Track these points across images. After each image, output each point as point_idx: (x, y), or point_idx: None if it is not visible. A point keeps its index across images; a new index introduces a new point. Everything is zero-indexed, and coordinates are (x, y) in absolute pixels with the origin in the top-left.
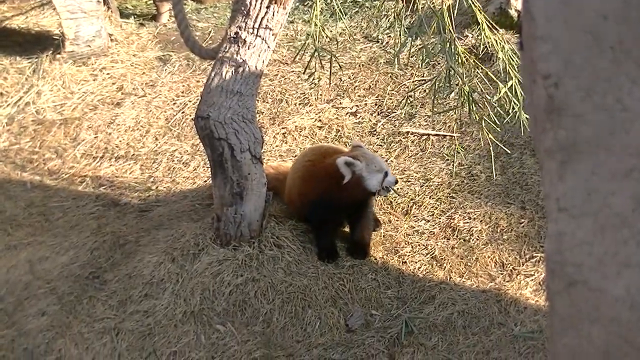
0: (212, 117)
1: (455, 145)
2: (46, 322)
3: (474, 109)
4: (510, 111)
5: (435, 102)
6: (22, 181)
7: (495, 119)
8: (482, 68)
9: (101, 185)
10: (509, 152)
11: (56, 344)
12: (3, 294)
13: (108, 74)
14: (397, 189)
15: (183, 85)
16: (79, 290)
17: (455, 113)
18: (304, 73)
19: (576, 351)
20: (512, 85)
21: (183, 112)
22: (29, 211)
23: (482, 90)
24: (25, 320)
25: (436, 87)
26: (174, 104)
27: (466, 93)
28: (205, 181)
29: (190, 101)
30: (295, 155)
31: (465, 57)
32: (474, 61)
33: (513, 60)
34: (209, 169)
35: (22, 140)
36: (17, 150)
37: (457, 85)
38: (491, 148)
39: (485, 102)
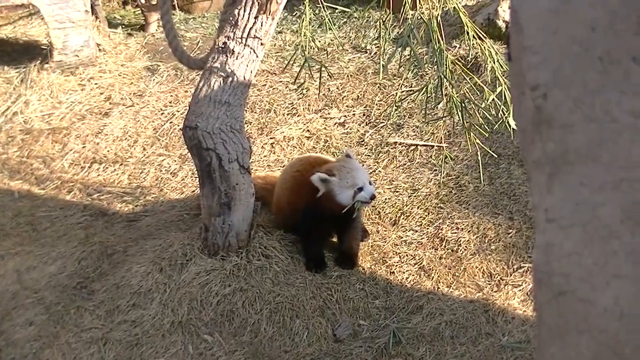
0: (200, 127)
1: (444, 155)
2: (34, 332)
3: (464, 116)
4: (499, 118)
5: (424, 111)
6: (10, 190)
7: (485, 126)
8: (471, 77)
9: (89, 195)
10: (497, 157)
11: (43, 354)
12: None
13: (96, 83)
14: (385, 199)
15: (171, 95)
16: (66, 300)
17: (443, 123)
18: (293, 83)
19: None
20: (501, 92)
21: (171, 122)
22: (16, 221)
23: (471, 99)
24: (13, 330)
25: (426, 96)
26: (162, 114)
27: (455, 101)
28: (194, 191)
29: (178, 111)
30: (283, 166)
31: (454, 66)
32: (462, 70)
33: (502, 67)
34: (197, 179)
35: (10, 150)
36: (4, 160)
37: (445, 95)
38: (479, 155)
39: (474, 110)
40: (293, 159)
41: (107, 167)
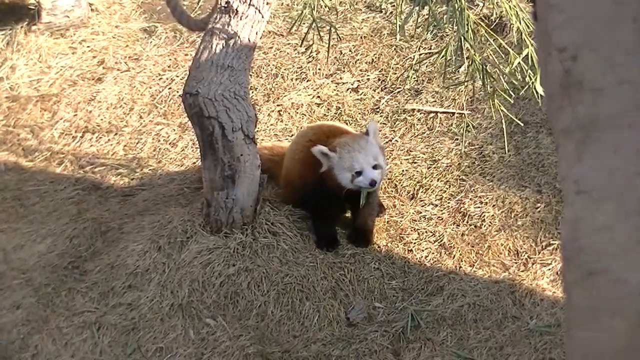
0: (202, 93)
1: (465, 122)
2: (21, 316)
3: (487, 81)
4: (525, 83)
5: (444, 76)
6: None
7: (510, 92)
8: (495, 38)
9: (81, 167)
10: (524, 125)
11: (32, 339)
12: None
13: (88, 46)
14: (402, 171)
15: (170, 59)
16: (57, 282)
17: (465, 88)
18: (300, 45)
19: (595, 346)
20: (527, 55)
21: (170, 88)
22: (2, 195)
23: (495, 63)
24: None
25: (446, 59)
26: (160, 79)
27: (478, 64)
28: (194, 163)
29: (177, 76)
30: (292, 135)
31: (477, 26)
32: (486, 31)
33: (529, 27)
34: (198, 149)
35: None
36: None
37: (467, 58)
38: (504, 123)
39: (499, 74)
40: (305, 128)
41: (100, 137)
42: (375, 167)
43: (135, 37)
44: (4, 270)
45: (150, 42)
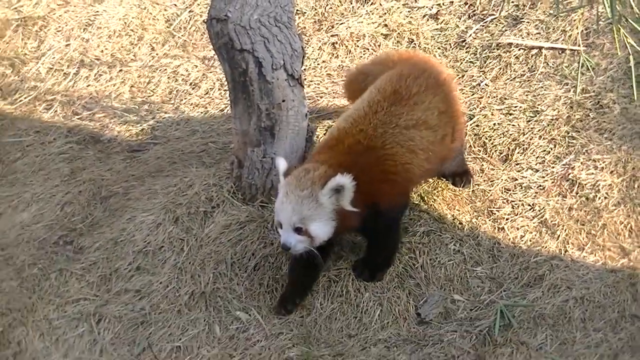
0: (232, 18)
1: (580, 61)
2: (0, 303)
3: (613, 4)
4: None
5: None
6: None
7: None
8: None
9: (75, 114)
10: None
11: (14, 333)
12: None
13: None
14: (494, 125)
15: None
16: (45, 261)
17: (581, 15)
18: None
19: None
20: None
21: (191, 12)
22: None
23: None
24: None
25: None
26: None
27: None
28: (222, 110)
29: None
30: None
31: None
32: None
33: None
34: (227, 92)
35: None
36: None
37: None
38: (632, 62)
39: None
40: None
41: (100, 74)
42: (298, 230)
43: None
44: None
45: None
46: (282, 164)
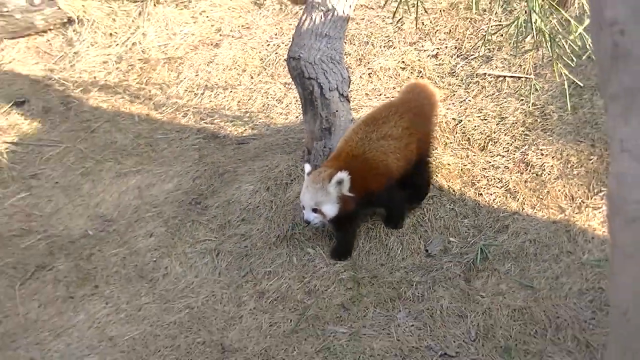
0: (303, 58)
1: (531, 85)
2: (154, 243)
3: (553, 47)
4: (585, 49)
5: (515, 44)
6: (131, 114)
7: (572, 57)
8: (558, 11)
9: (202, 120)
10: (581, 88)
11: (163, 262)
12: (115, 216)
13: (207, 16)
14: (474, 126)
15: (276, 28)
16: (182, 215)
17: (530, 55)
18: (392, 17)
19: (636, 281)
20: (587, 26)
21: (276, 53)
22: (137, 142)
23: (559, 31)
24: (135, 240)
25: (517, 29)
26: (268, 45)
27: (545, 33)
28: (297, 117)
29: (282, 43)
30: (380, 95)
31: (542, 1)
32: (550, 5)
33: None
34: (300, 105)
35: (130, 77)
36: (125, 86)
37: (532, 29)
38: (566, 84)
39: (561, 42)
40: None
41: (218, 94)
42: (315, 210)
43: (247, 9)
44: (139, 204)
45: (260, 13)
46: (307, 167)
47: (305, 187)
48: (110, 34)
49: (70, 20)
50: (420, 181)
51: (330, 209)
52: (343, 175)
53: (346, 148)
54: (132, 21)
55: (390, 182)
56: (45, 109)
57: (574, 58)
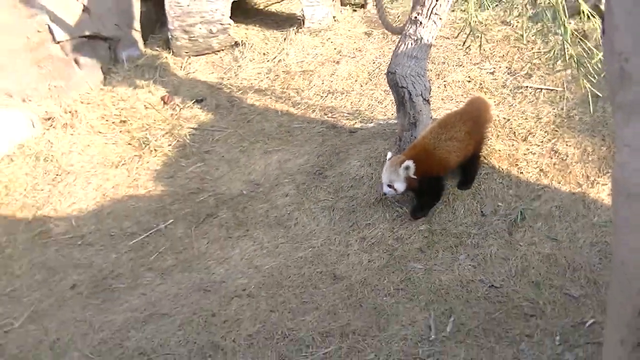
0: (398, 72)
1: (563, 96)
2: (288, 201)
3: (579, 67)
4: (602, 70)
5: (552, 65)
6: (275, 110)
7: (594, 75)
8: (584, 41)
9: (325, 115)
10: (597, 98)
11: (294, 214)
12: (262, 181)
13: (331, 42)
14: (519, 123)
15: (380, 51)
16: (309, 181)
17: (560, 73)
18: (462, 45)
19: (635, 248)
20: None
21: (379, 69)
22: (279, 129)
23: (583, 56)
24: (275, 198)
25: (554, 54)
26: (374, 63)
27: (574, 58)
28: (392, 114)
29: (384, 61)
30: (452, 100)
31: (572, 34)
32: (577, 37)
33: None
34: (395, 106)
35: (276, 84)
36: (272, 90)
37: (564, 54)
38: (589, 95)
39: (585, 64)
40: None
41: (337, 97)
42: (389, 186)
43: (360, 37)
44: (278, 174)
45: (369, 40)
46: (389, 154)
47: (385, 168)
48: (264, 53)
49: (236, 44)
50: (471, 170)
51: (400, 186)
52: (409, 162)
53: (422, 143)
54: (279, 44)
55: (442, 173)
56: (217, 105)
57: (595, 76)
